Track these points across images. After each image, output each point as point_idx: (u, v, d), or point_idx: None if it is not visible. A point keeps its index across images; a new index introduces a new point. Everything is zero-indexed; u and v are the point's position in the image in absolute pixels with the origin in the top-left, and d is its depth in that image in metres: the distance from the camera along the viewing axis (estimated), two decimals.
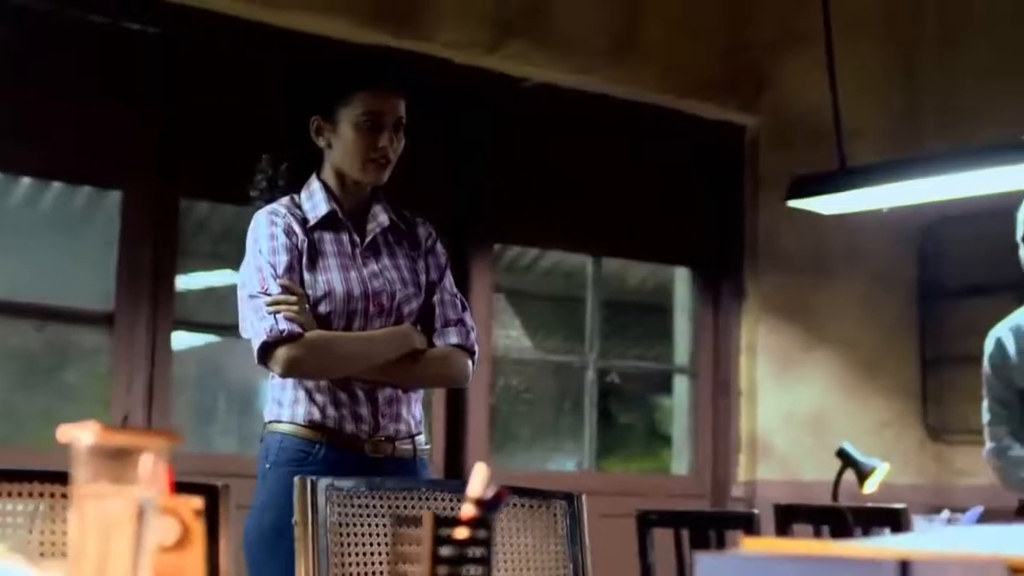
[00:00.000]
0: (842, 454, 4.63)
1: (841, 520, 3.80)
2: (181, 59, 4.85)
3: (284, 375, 2.85)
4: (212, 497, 2.06)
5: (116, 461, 1.21)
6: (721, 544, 3.90)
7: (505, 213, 5.56)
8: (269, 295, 2.83)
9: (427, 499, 2.45)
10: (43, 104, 4.60)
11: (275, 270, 2.85)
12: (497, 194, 5.52)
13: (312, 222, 2.94)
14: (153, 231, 4.74)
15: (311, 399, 2.89)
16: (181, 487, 1.38)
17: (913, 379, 6.46)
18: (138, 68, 4.79)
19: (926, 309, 6.48)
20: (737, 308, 6.09)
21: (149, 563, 1.18)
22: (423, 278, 3.00)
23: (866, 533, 3.84)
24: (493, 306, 5.57)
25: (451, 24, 5.29)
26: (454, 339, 2.95)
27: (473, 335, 2.99)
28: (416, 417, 2.99)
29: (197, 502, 1.31)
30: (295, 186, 3.01)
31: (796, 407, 6.09)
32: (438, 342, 2.95)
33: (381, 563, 2.34)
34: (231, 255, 5.23)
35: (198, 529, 1.30)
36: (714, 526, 3.97)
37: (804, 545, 1.34)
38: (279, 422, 2.92)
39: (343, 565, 2.28)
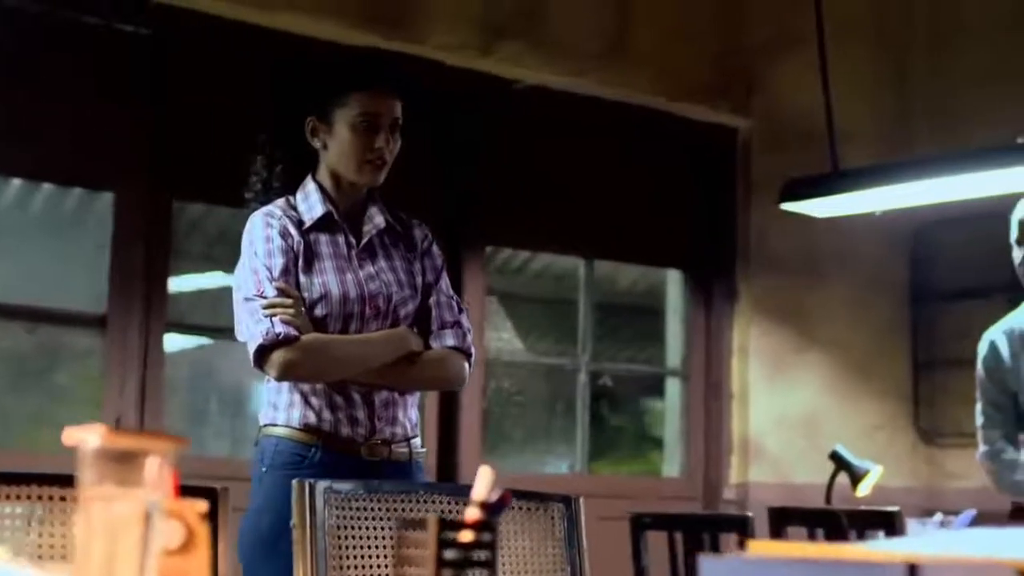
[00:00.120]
0: (835, 457, 4.64)
1: (835, 523, 3.80)
2: (173, 60, 4.84)
3: (280, 378, 2.84)
4: (211, 500, 2.06)
5: (122, 464, 1.20)
6: (715, 547, 3.89)
7: (497, 215, 5.56)
8: (265, 298, 2.82)
9: (425, 502, 2.44)
10: (35, 105, 4.58)
11: (271, 273, 2.84)
12: (489, 196, 5.52)
13: (308, 224, 2.92)
14: (146, 233, 4.73)
15: (307, 402, 2.88)
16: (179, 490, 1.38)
17: (905, 382, 6.47)
18: (130, 69, 4.78)
19: (918, 312, 6.49)
20: (729, 310, 6.10)
21: (155, 566, 1.17)
22: (419, 280, 2.99)
23: (860, 536, 3.84)
24: (485, 308, 5.57)
25: (443, 26, 5.29)
26: (451, 341, 2.94)
27: (469, 337, 2.98)
28: (412, 420, 2.98)
29: (202, 505, 1.31)
30: (290, 187, 3.00)
31: (788, 409, 6.10)
32: (435, 344, 2.94)
33: (379, 566, 2.34)
34: (223, 257, 5.23)
35: (203, 532, 1.30)
36: (708, 529, 3.95)
37: (809, 548, 1.33)
38: (275, 425, 2.91)
39: (341, 568, 2.27)
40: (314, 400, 2.88)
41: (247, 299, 2.85)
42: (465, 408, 5.36)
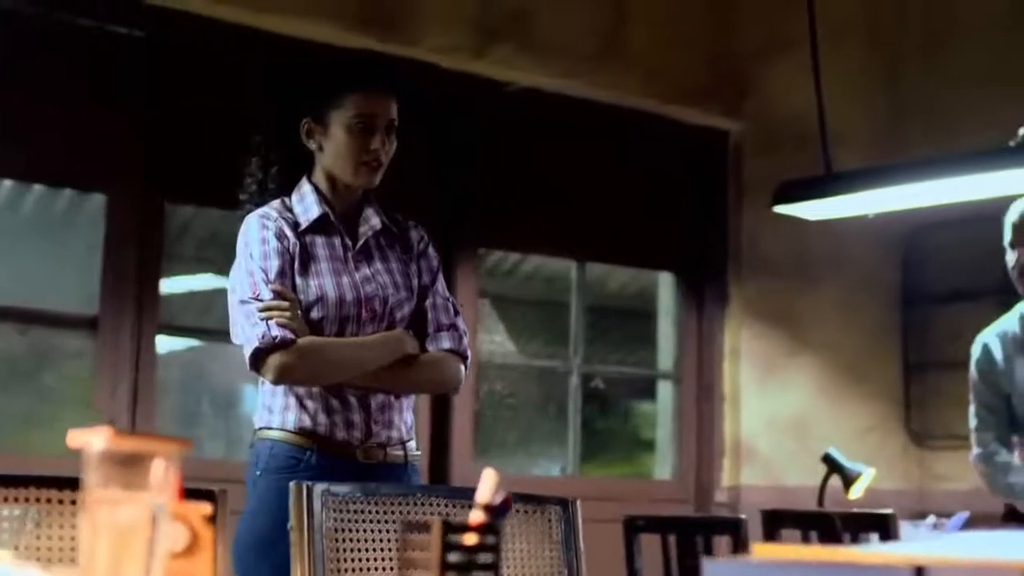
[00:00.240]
0: (828, 460, 4.65)
1: (829, 526, 3.80)
2: (166, 62, 4.82)
3: (276, 382, 2.83)
4: (209, 502, 2.04)
5: (127, 467, 1.20)
6: (708, 550, 3.89)
7: (490, 217, 5.55)
8: (261, 301, 2.80)
9: (422, 505, 2.44)
10: (28, 107, 4.57)
11: (267, 275, 2.82)
12: (482, 199, 5.51)
13: (304, 225, 2.91)
14: (138, 235, 4.72)
15: (302, 406, 2.87)
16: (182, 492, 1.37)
17: (896, 384, 6.48)
18: (123, 71, 4.77)
19: (909, 314, 6.50)
20: (721, 313, 6.10)
21: (161, 570, 1.17)
22: (415, 282, 2.98)
23: (854, 539, 3.84)
24: (478, 311, 5.56)
25: (436, 29, 5.28)
26: (447, 344, 2.94)
27: (466, 340, 2.98)
28: (408, 423, 2.98)
29: (206, 508, 1.30)
30: (285, 189, 2.99)
31: (780, 412, 6.10)
32: (431, 347, 2.93)
33: (377, 569, 2.33)
34: (215, 259, 5.22)
35: (207, 535, 1.29)
36: (701, 532, 3.96)
37: (815, 551, 1.33)
38: (269, 428, 2.90)
39: (339, 571, 2.27)
40: (309, 403, 2.87)
41: (243, 302, 2.83)
42: (457, 410, 5.35)
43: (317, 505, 2.28)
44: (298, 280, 2.86)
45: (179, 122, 4.81)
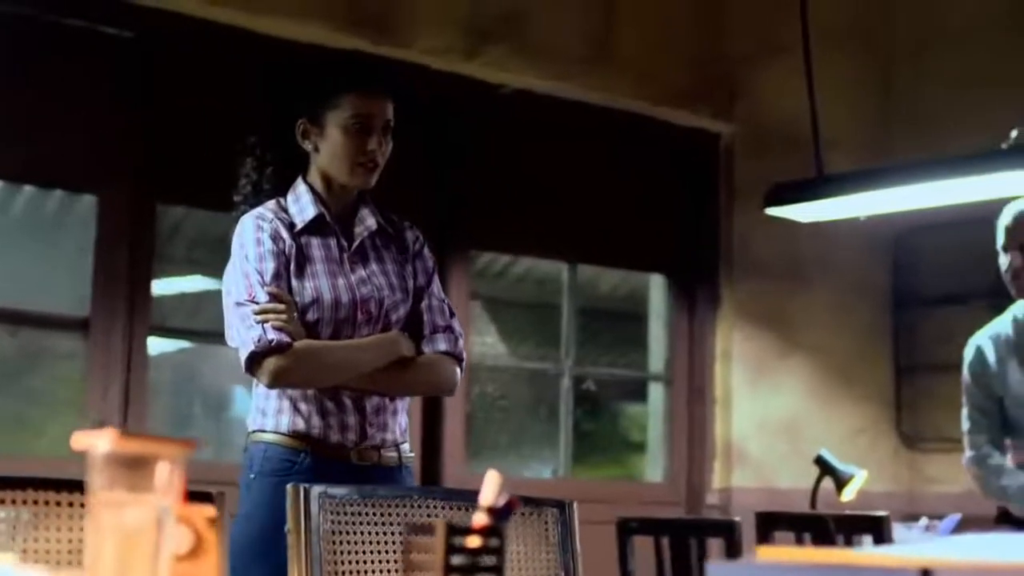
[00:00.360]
0: (820, 462, 4.65)
1: (822, 528, 3.81)
2: (157, 63, 4.81)
3: (271, 386, 2.81)
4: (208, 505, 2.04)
5: (132, 469, 1.19)
6: (702, 552, 3.89)
7: (482, 219, 5.55)
8: (257, 303, 2.78)
9: (419, 507, 2.43)
10: (19, 108, 4.56)
11: (262, 277, 2.81)
12: (474, 200, 5.51)
13: (299, 226, 2.90)
14: (129, 236, 4.70)
15: (295, 408, 2.86)
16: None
17: (887, 386, 6.49)
18: (114, 72, 4.76)
19: (900, 317, 6.51)
20: (712, 315, 6.11)
21: (167, 572, 1.16)
22: (411, 283, 2.97)
23: (847, 541, 3.84)
24: (470, 313, 5.56)
25: (428, 30, 5.28)
26: (443, 346, 2.93)
27: (461, 342, 2.96)
28: (402, 426, 2.97)
29: (210, 510, 1.30)
30: (280, 190, 2.98)
31: (771, 414, 6.11)
32: (426, 348, 2.92)
33: (374, 571, 2.32)
34: (205, 260, 5.21)
35: (211, 538, 1.29)
36: (694, 534, 3.96)
37: (820, 554, 1.33)
38: (263, 431, 2.89)
39: (336, 574, 2.26)
40: (303, 406, 2.85)
41: (238, 304, 2.81)
42: (449, 413, 5.35)
43: (314, 507, 2.27)
44: (294, 282, 2.84)
45: (171, 123, 4.80)
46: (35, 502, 2.01)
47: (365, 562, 2.33)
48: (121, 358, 4.65)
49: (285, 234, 2.87)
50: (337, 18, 5.04)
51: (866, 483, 4.75)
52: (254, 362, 2.77)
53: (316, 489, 2.30)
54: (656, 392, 6.24)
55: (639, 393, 6.36)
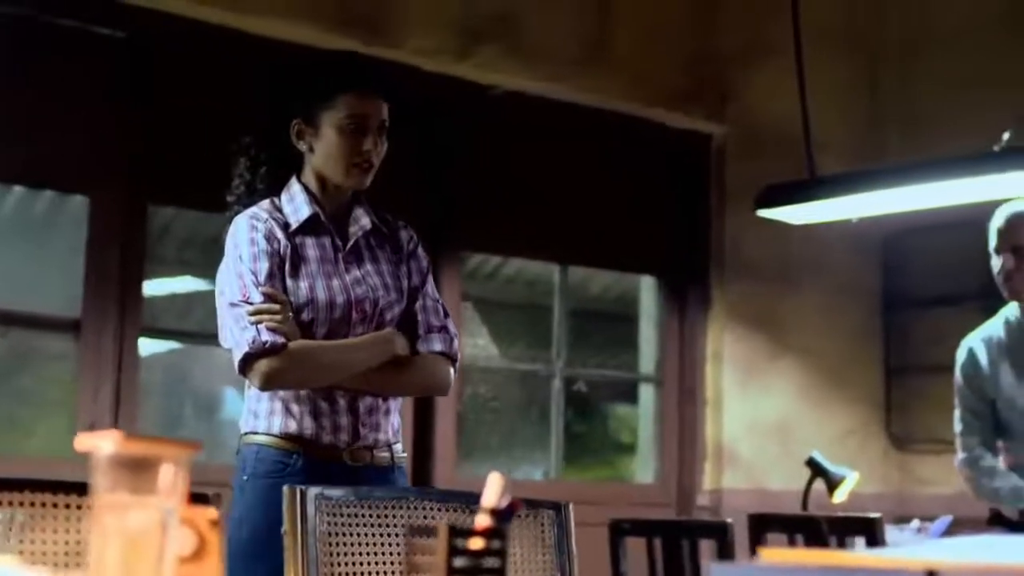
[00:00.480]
0: (812, 463, 4.65)
1: (815, 529, 3.81)
2: (149, 64, 4.81)
3: (264, 388, 2.79)
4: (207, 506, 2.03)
5: (135, 471, 1.18)
6: (694, 554, 3.89)
7: (474, 221, 5.55)
8: (251, 303, 2.76)
9: (415, 508, 2.43)
10: (10, 108, 4.54)
11: (256, 277, 2.79)
12: (465, 202, 5.51)
13: (294, 226, 2.88)
14: (121, 237, 4.69)
15: (287, 410, 2.84)
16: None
17: (877, 388, 6.50)
18: (106, 73, 4.75)
19: (890, 318, 6.52)
20: (703, 317, 6.11)
21: (172, 574, 1.16)
22: (405, 283, 2.96)
23: (840, 543, 3.85)
24: (461, 314, 5.55)
25: (420, 31, 5.27)
26: (438, 346, 2.92)
27: (456, 342, 2.95)
28: (395, 426, 2.96)
29: (212, 512, 1.29)
30: (274, 189, 2.96)
31: (761, 415, 6.11)
32: (421, 348, 2.91)
33: (371, 573, 2.32)
34: (196, 261, 5.20)
35: (214, 539, 1.28)
36: (686, 535, 3.96)
37: (824, 556, 1.33)
38: (255, 433, 2.87)
39: (333, 575, 2.25)
40: (295, 407, 2.84)
41: (232, 304, 2.79)
42: (440, 414, 5.35)
43: (311, 509, 2.27)
44: (288, 282, 2.83)
45: (162, 123, 4.79)
46: (32, 504, 2.01)
47: (361, 564, 2.32)
48: (112, 359, 4.64)
49: (279, 234, 2.85)
50: (327, 18, 5.03)
51: (856, 484, 4.76)
52: (247, 364, 2.76)
53: (312, 491, 2.30)
54: (647, 393, 6.24)
55: (630, 394, 6.36)
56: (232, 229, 2.88)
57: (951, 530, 4.29)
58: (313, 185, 2.93)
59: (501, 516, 1.44)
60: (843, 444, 6.19)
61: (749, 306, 6.14)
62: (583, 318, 6.18)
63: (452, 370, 2.95)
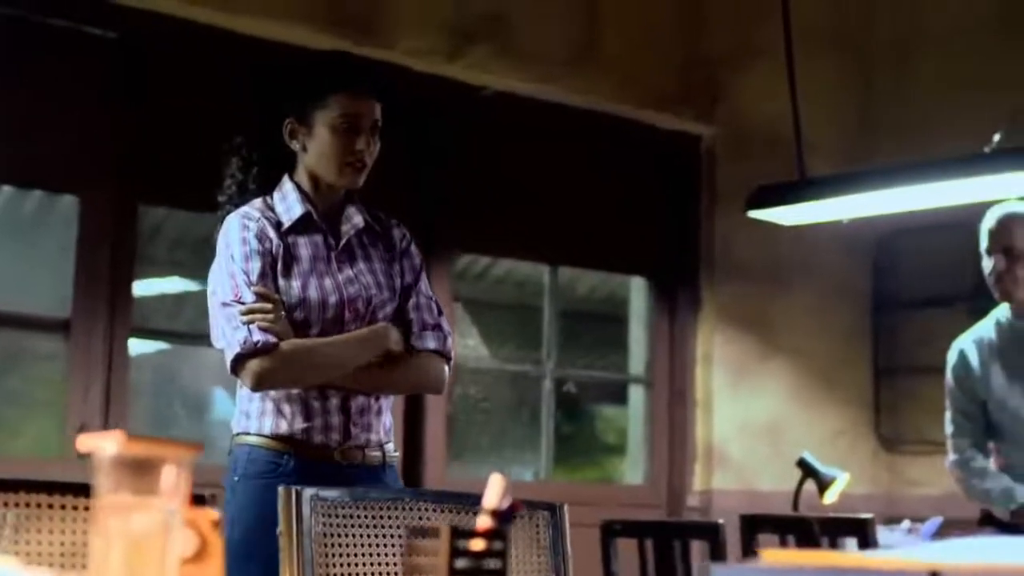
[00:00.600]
0: (803, 464, 4.64)
1: (807, 530, 3.81)
2: (140, 64, 4.80)
3: (254, 389, 2.78)
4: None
5: (138, 472, 1.18)
6: (685, 555, 3.90)
7: (463, 221, 5.54)
8: (243, 303, 2.75)
9: (411, 509, 2.43)
10: (0, 108, 4.53)
11: (248, 277, 2.78)
12: (455, 202, 5.50)
13: (286, 225, 2.87)
14: (111, 237, 4.68)
15: (278, 410, 2.83)
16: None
17: (867, 389, 6.50)
18: (97, 72, 4.73)
19: (880, 320, 6.53)
20: (693, 318, 6.11)
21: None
22: (398, 281, 2.95)
23: (832, 544, 3.85)
24: (453, 315, 5.55)
25: (411, 32, 5.27)
26: (432, 344, 2.90)
27: (450, 340, 2.95)
28: (386, 426, 2.95)
29: (214, 513, 1.29)
30: (266, 189, 2.95)
31: (751, 417, 6.12)
32: (415, 346, 2.90)
33: (366, 574, 2.32)
34: (185, 261, 5.19)
35: (216, 541, 1.28)
36: (678, 536, 3.96)
37: (826, 557, 1.33)
38: (247, 434, 2.86)
39: None
40: (286, 408, 2.83)
41: (224, 304, 2.78)
42: (430, 414, 5.34)
43: (306, 510, 2.26)
44: (280, 281, 2.82)
45: (153, 123, 4.78)
46: (27, 504, 2.00)
47: (357, 564, 2.32)
48: (102, 359, 4.62)
49: (272, 233, 2.84)
50: (319, 19, 5.02)
51: (846, 485, 4.76)
52: (239, 364, 2.75)
53: (308, 492, 2.29)
54: (637, 394, 6.24)
55: (620, 395, 6.36)
56: (224, 228, 2.87)
57: (942, 531, 4.30)
58: (306, 184, 2.92)
59: (502, 517, 1.44)
60: (833, 445, 6.20)
61: (739, 307, 6.14)
62: (573, 319, 6.18)
63: (446, 368, 2.94)
